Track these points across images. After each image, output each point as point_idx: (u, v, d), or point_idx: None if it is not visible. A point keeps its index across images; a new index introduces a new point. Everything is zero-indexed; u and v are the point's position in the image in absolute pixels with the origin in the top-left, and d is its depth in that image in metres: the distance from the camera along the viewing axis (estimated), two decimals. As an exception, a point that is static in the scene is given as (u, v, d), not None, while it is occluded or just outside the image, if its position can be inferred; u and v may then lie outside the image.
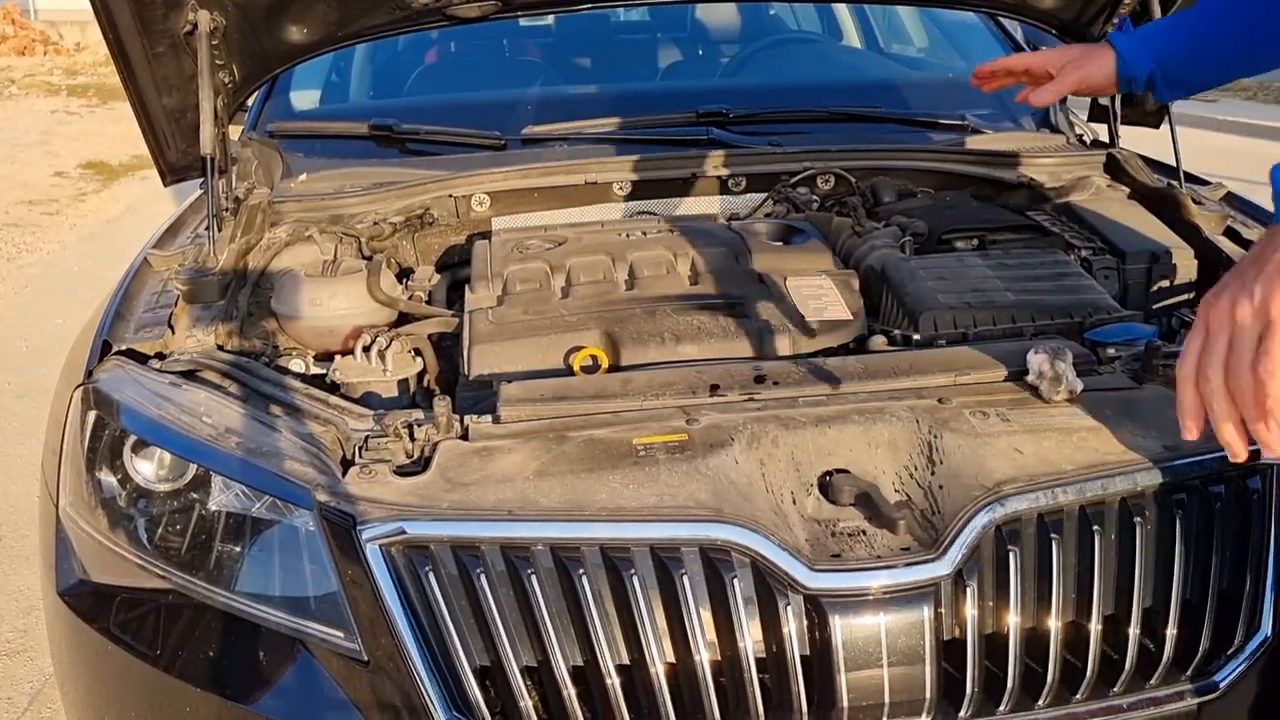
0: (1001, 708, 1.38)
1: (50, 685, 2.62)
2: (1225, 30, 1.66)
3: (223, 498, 1.51)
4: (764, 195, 2.43)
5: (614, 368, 1.72)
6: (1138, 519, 1.42)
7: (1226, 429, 1.14)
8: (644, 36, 3.63)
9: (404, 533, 1.38)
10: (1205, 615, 1.44)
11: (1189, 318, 1.87)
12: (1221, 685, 1.43)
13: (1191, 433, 1.17)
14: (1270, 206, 1.18)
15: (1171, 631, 1.43)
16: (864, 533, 1.40)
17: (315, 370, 1.86)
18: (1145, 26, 1.78)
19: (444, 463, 1.46)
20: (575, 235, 2.13)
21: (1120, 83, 1.79)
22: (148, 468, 1.56)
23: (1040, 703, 1.39)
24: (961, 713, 1.37)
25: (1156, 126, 2.43)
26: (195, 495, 1.53)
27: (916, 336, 1.79)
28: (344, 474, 1.45)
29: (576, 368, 1.71)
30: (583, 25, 3.48)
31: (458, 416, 1.56)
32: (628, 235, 2.11)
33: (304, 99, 2.97)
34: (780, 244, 2.11)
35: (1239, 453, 1.15)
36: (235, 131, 2.41)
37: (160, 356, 1.73)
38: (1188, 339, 1.17)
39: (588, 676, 1.37)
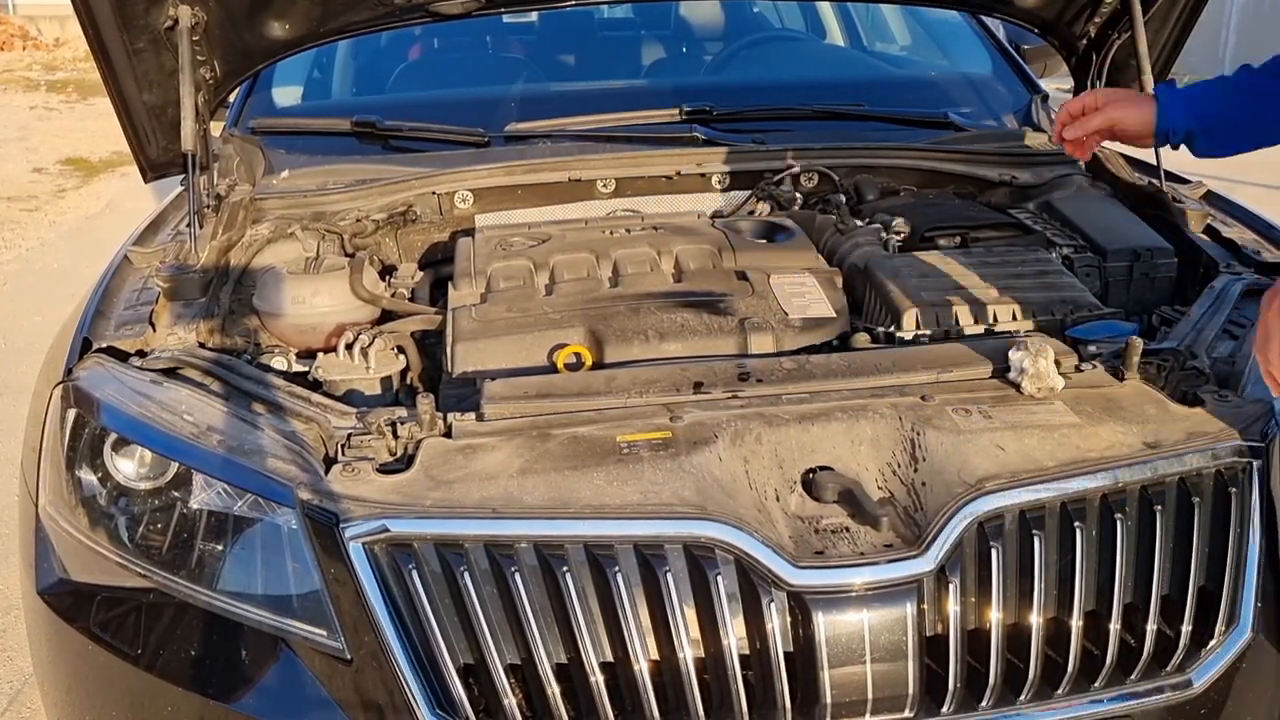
0: (983, 703, 1.39)
1: (30, 685, 2.60)
2: (1270, 95, 1.67)
3: (204, 496, 1.50)
4: (748, 193, 2.43)
5: (598, 365, 1.72)
6: (1118, 515, 1.43)
7: None
8: (628, 34, 3.63)
9: (387, 530, 1.37)
10: (1185, 611, 1.45)
11: (1169, 315, 1.88)
12: (1202, 681, 1.44)
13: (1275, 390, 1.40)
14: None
15: (1151, 627, 1.44)
16: (847, 529, 1.40)
17: (298, 368, 1.85)
18: (1192, 86, 1.78)
19: (427, 460, 1.45)
20: (559, 232, 2.13)
21: (1158, 136, 1.78)
22: (128, 466, 1.55)
23: (1021, 698, 1.40)
24: (944, 708, 1.38)
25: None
26: (176, 493, 1.52)
27: (899, 334, 1.80)
28: (327, 472, 1.45)
29: (560, 365, 1.71)
30: (566, 22, 3.47)
31: (441, 414, 1.55)
32: (611, 233, 2.11)
33: (286, 95, 2.95)
34: (764, 242, 2.12)
35: None
36: (217, 128, 2.39)
37: (141, 354, 1.72)
38: (1258, 329, 1.38)
39: (571, 674, 1.37)
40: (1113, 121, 1.81)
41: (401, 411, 1.58)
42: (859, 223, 2.16)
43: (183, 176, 2.09)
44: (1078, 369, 1.64)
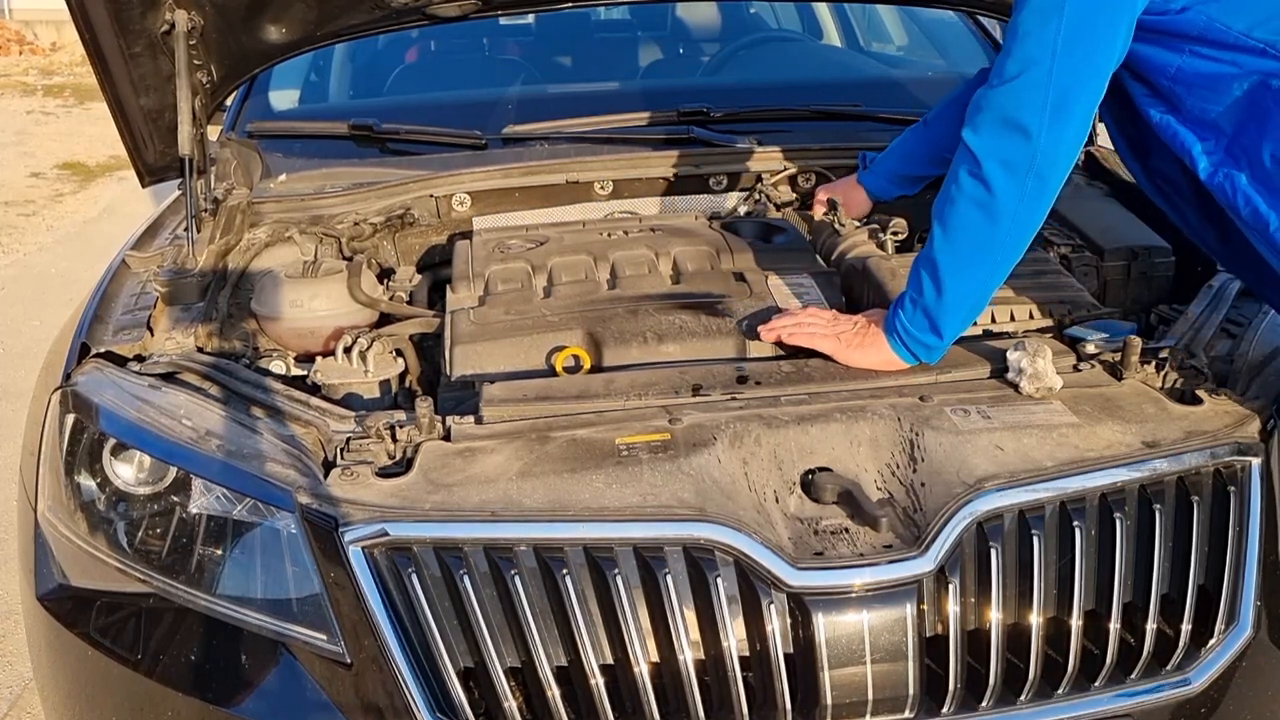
0: (983, 703, 1.39)
1: (30, 691, 2.60)
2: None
3: (203, 500, 1.50)
4: (745, 194, 2.43)
5: (596, 368, 1.72)
6: (1118, 515, 1.43)
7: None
8: (625, 35, 3.63)
9: (386, 534, 1.37)
10: (1185, 611, 1.45)
11: (1167, 314, 1.88)
12: (1201, 680, 1.44)
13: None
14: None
15: (1151, 626, 1.43)
16: (847, 530, 1.40)
17: (296, 372, 1.85)
18: (884, 157, 2.15)
19: (426, 464, 1.45)
20: (557, 235, 2.13)
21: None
22: (127, 471, 1.55)
23: (1021, 698, 1.40)
24: (944, 709, 1.38)
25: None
26: (175, 498, 1.52)
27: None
28: (326, 476, 1.45)
29: (559, 368, 1.71)
30: (563, 24, 3.47)
31: (440, 417, 1.55)
32: (609, 235, 2.11)
33: (283, 99, 2.95)
34: (762, 243, 2.12)
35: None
36: (214, 132, 2.39)
37: (139, 359, 1.72)
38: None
39: (572, 677, 1.37)
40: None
41: (400, 415, 1.58)
42: (856, 223, 2.16)
43: (180, 181, 2.09)
44: (1076, 369, 1.64)
